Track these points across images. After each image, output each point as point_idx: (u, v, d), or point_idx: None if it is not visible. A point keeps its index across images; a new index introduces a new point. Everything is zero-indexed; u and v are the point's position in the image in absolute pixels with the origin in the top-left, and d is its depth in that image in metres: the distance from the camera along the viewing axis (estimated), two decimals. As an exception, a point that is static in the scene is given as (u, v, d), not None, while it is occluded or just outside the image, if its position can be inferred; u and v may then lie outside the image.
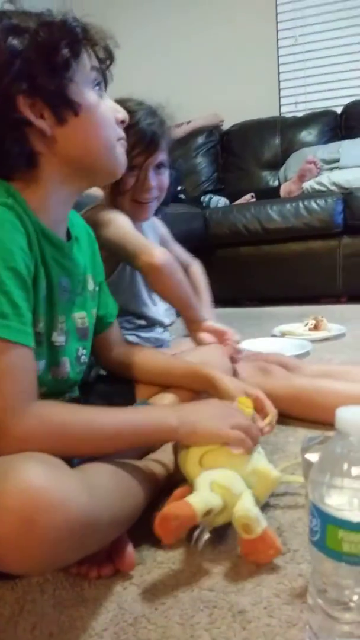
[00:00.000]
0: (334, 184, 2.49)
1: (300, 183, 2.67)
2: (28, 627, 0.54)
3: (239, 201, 2.82)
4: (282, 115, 3.23)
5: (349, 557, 0.42)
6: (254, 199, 2.79)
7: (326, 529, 0.43)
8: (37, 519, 0.47)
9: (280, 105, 3.27)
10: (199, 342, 1.05)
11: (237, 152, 3.15)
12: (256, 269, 2.58)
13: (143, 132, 1.06)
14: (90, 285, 0.81)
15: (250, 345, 1.53)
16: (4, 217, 0.60)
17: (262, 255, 2.57)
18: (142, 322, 1.23)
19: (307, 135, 2.99)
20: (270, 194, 2.75)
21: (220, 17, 3.25)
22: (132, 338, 1.19)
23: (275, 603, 0.54)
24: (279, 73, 3.23)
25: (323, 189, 2.53)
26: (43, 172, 0.66)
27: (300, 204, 2.43)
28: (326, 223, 2.39)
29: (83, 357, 0.79)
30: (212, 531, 0.64)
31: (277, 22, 3.18)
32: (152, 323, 1.25)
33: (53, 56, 0.62)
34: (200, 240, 2.55)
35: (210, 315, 1.29)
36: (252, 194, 2.83)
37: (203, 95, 3.25)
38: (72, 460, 0.61)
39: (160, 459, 0.76)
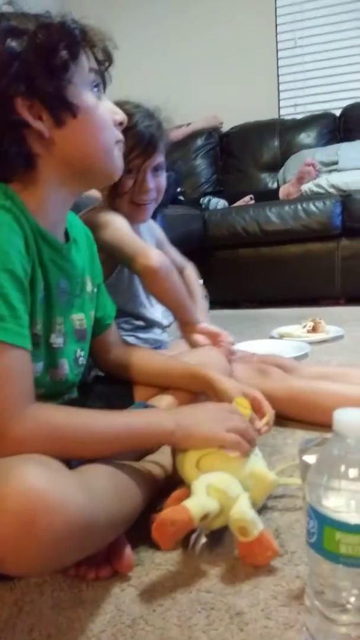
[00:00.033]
0: (333, 186, 2.50)
1: (299, 185, 2.67)
2: (26, 628, 0.54)
3: (237, 203, 2.83)
4: (281, 117, 3.24)
5: (346, 559, 0.42)
6: (252, 201, 2.79)
7: (323, 531, 0.43)
8: (36, 520, 0.47)
9: (279, 108, 3.28)
10: (192, 344, 1.06)
11: (236, 154, 3.16)
12: (255, 270, 2.58)
13: (141, 135, 1.07)
14: (89, 287, 0.81)
15: (249, 347, 1.53)
16: (1, 219, 0.60)
17: (261, 257, 2.57)
18: (141, 323, 1.24)
19: (306, 137, 3.00)
20: (269, 196, 2.76)
21: (220, 19, 3.26)
22: (130, 339, 1.20)
23: (273, 605, 0.55)
24: (278, 75, 3.24)
25: (321, 191, 2.53)
26: (41, 173, 0.66)
27: (299, 206, 2.44)
28: (325, 225, 2.40)
29: (81, 358, 0.79)
30: (210, 534, 0.64)
31: (276, 25, 3.19)
32: (150, 324, 1.26)
33: (51, 58, 0.62)
34: (199, 242, 2.56)
35: (205, 318, 1.30)
36: (251, 196, 2.84)
37: (203, 97, 3.26)
38: (71, 461, 0.61)
39: (159, 461, 0.76)
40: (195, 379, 0.86)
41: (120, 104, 0.75)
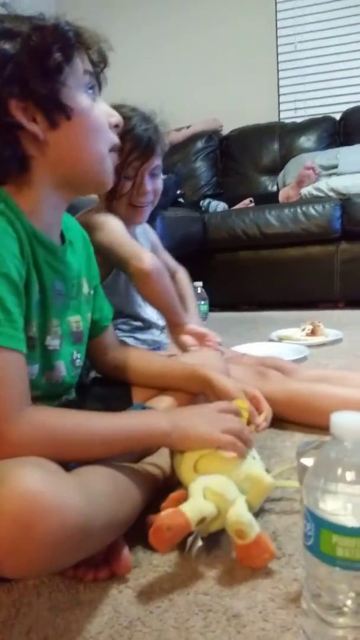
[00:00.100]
0: (332, 189, 2.51)
1: (299, 188, 2.68)
2: (24, 629, 0.54)
3: (237, 206, 2.84)
4: (281, 120, 3.25)
5: (342, 562, 0.42)
6: (252, 204, 2.80)
7: (320, 534, 0.43)
8: (33, 523, 0.48)
9: (279, 111, 3.29)
10: (181, 345, 1.08)
11: (236, 157, 3.17)
12: (254, 273, 2.59)
13: (139, 138, 1.08)
14: (85, 289, 0.81)
15: (248, 349, 1.54)
16: None
17: (261, 260, 2.58)
18: (139, 324, 1.25)
19: (306, 141, 3.01)
20: (268, 199, 2.77)
21: (221, 22, 3.27)
22: (129, 340, 1.20)
23: (270, 607, 0.55)
24: (278, 79, 3.25)
25: (321, 194, 2.54)
26: (35, 176, 0.66)
27: (299, 210, 2.44)
28: (324, 228, 2.41)
29: (78, 360, 0.79)
30: (207, 536, 0.64)
31: (277, 29, 3.20)
32: (148, 325, 1.27)
33: (45, 60, 0.62)
34: (199, 245, 2.56)
35: (196, 321, 1.33)
36: (251, 198, 2.85)
37: (203, 99, 3.27)
38: (69, 464, 0.61)
39: (157, 462, 0.76)
40: (194, 379, 0.86)
41: (116, 107, 0.76)
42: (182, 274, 1.45)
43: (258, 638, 0.51)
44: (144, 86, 3.26)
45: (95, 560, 0.60)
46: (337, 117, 3.01)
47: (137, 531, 0.65)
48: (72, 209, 1.13)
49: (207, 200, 2.95)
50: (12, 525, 0.47)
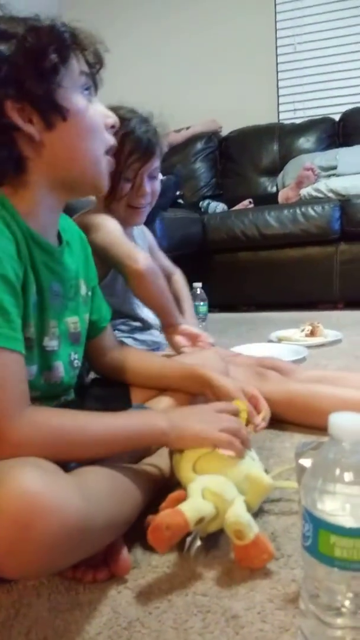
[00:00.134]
0: (331, 190, 2.51)
1: (298, 189, 2.68)
2: (23, 630, 0.54)
3: (237, 207, 2.84)
4: (280, 122, 3.26)
5: (341, 562, 0.43)
6: (252, 205, 2.80)
7: (318, 534, 0.43)
8: (32, 524, 0.48)
9: (278, 112, 3.30)
10: (174, 345, 1.09)
11: (235, 158, 3.17)
12: (253, 274, 2.59)
13: (139, 140, 1.09)
14: (83, 290, 0.81)
15: (247, 350, 1.54)
16: None
17: (260, 260, 2.58)
18: (138, 324, 1.25)
19: (305, 142, 3.01)
20: (268, 200, 2.77)
21: (220, 23, 3.27)
22: (128, 341, 1.21)
23: (269, 608, 0.55)
24: (277, 80, 3.26)
25: (320, 195, 2.55)
26: (31, 177, 0.66)
27: (298, 210, 2.45)
28: (323, 229, 2.41)
29: (76, 361, 0.79)
30: (206, 537, 0.65)
31: (276, 30, 3.20)
32: (147, 326, 1.27)
33: (41, 61, 0.62)
34: (198, 246, 2.57)
35: (193, 322, 1.35)
36: (250, 199, 2.85)
37: (202, 101, 3.27)
38: (69, 464, 0.62)
39: (156, 463, 0.76)
40: (193, 379, 0.86)
41: (114, 109, 0.76)
42: (178, 275, 1.47)
43: (256, 639, 0.51)
44: (144, 87, 3.27)
45: (95, 561, 0.60)
46: (336, 118, 3.02)
47: (136, 532, 0.65)
48: (71, 210, 1.14)
49: (206, 201, 2.95)
50: (12, 526, 0.47)
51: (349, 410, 0.46)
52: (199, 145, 3.21)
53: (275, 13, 3.18)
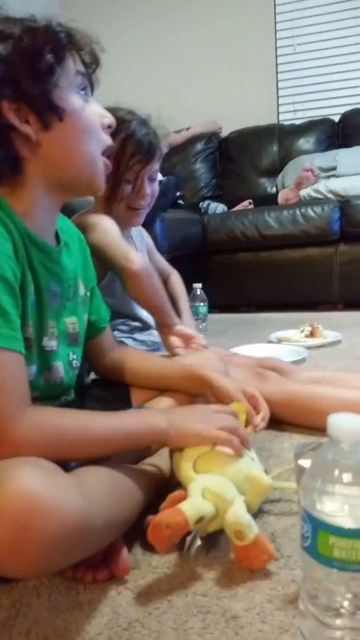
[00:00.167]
0: (331, 191, 2.52)
1: (298, 190, 2.69)
2: (23, 630, 0.54)
3: (236, 207, 2.84)
4: (280, 122, 3.26)
5: (339, 563, 0.43)
6: (251, 206, 2.81)
7: (317, 535, 0.43)
8: (32, 523, 0.48)
9: (278, 113, 3.30)
10: (168, 346, 1.10)
11: (235, 159, 3.18)
12: (253, 275, 2.60)
13: (141, 143, 1.11)
14: (82, 291, 0.81)
15: (247, 351, 1.54)
16: None
17: (260, 261, 2.58)
18: (137, 324, 1.26)
19: (305, 143, 3.02)
20: (267, 201, 2.77)
21: (219, 24, 3.28)
22: (128, 341, 1.22)
23: (268, 609, 0.55)
24: (277, 81, 3.26)
25: (320, 196, 2.55)
26: (28, 177, 0.66)
27: (298, 211, 2.45)
28: (323, 230, 2.41)
29: (75, 361, 0.79)
30: (206, 537, 0.65)
31: (275, 31, 3.21)
32: (147, 326, 1.28)
33: (37, 61, 0.62)
34: (198, 246, 2.57)
35: (190, 322, 1.36)
36: (250, 200, 2.86)
37: (202, 101, 3.28)
38: (69, 464, 0.62)
39: (157, 464, 0.76)
40: (193, 380, 0.86)
41: (112, 110, 0.76)
42: (176, 276, 1.49)
43: (256, 639, 0.51)
44: (143, 88, 3.27)
45: (95, 561, 0.60)
46: (336, 119, 3.02)
47: (136, 532, 0.65)
48: (71, 211, 1.14)
49: (206, 202, 2.96)
50: (11, 526, 0.48)
51: (349, 411, 0.46)
52: (199, 146, 3.21)
53: (275, 14, 3.19)
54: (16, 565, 0.50)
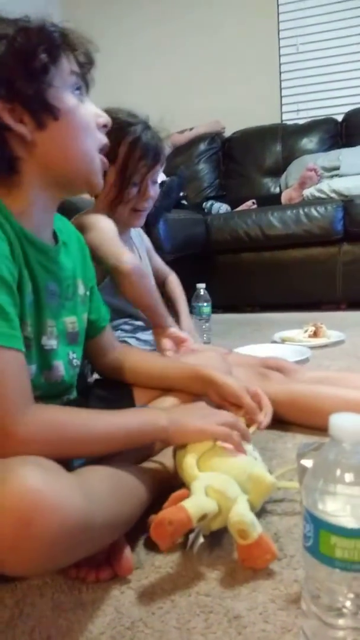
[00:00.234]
0: (334, 191, 2.51)
1: (301, 190, 2.68)
2: (27, 630, 0.54)
3: (240, 207, 2.84)
4: (283, 122, 3.26)
5: (342, 563, 0.43)
6: (255, 206, 2.80)
7: (319, 535, 0.43)
8: (33, 521, 0.48)
9: (281, 113, 3.30)
10: (159, 347, 1.10)
11: (238, 159, 3.17)
12: (257, 275, 2.59)
13: (148, 146, 1.14)
14: (81, 290, 0.82)
15: (251, 350, 1.54)
16: None
17: (263, 261, 2.58)
18: (140, 323, 1.27)
19: (308, 142, 3.01)
20: (271, 201, 2.77)
21: (223, 24, 3.28)
22: (131, 341, 1.22)
23: (271, 609, 0.55)
24: (280, 80, 3.26)
25: (323, 196, 2.54)
26: (24, 177, 0.67)
27: (301, 211, 2.44)
28: (326, 230, 2.41)
29: (75, 360, 0.80)
30: (209, 536, 0.65)
31: (279, 30, 3.20)
32: (150, 325, 1.28)
33: (31, 61, 0.62)
34: (201, 246, 2.57)
35: (188, 322, 1.36)
36: (253, 200, 2.85)
37: (205, 102, 3.28)
38: (72, 462, 0.62)
39: (160, 463, 0.77)
40: (196, 379, 0.86)
41: (113, 111, 0.77)
42: (173, 277, 1.50)
43: (258, 639, 0.51)
44: (147, 88, 3.28)
45: (98, 561, 0.61)
46: (339, 118, 3.01)
47: (139, 532, 0.65)
48: (73, 211, 1.15)
49: (209, 202, 2.96)
50: (13, 523, 0.48)
51: (352, 410, 0.46)
52: (203, 146, 3.21)
53: (278, 14, 3.18)
54: (18, 563, 0.50)
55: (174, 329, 1.12)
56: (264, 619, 0.54)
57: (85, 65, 0.69)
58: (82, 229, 0.97)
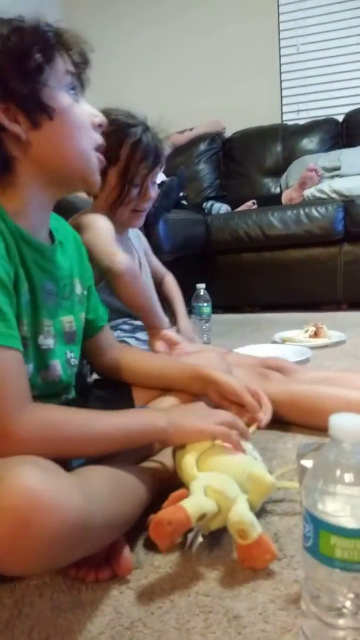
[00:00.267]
0: (335, 191, 2.51)
1: (302, 190, 2.68)
2: (26, 629, 0.54)
3: (240, 208, 2.84)
4: (284, 122, 3.25)
5: (341, 563, 0.43)
6: (255, 206, 2.80)
7: (319, 535, 0.43)
8: (32, 521, 0.48)
9: (282, 113, 3.30)
10: (152, 349, 1.11)
11: (239, 159, 3.17)
12: (257, 275, 2.59)
13: (148, 148, 1.14)
14: (78, 289, 0.82)
15: (251, 351, 1.54)
16: None
17: (263, 261, 2.58)
18: (139, 323, 1.27)
19: (309, 143, 3.01)
20: (271, 201, 2.77)
21: (223, 25, 3.28)
22: (130, 341, 1.22)
23: (271, 609, 0.55)
24: (280, 81, 3.26)
25: (324, 196, 2.54)
26: (20, 177, 0.67)
27: (301, 211, 2.44)
28: (327, 230, 2.41)
29: (72, 359, 0.80)
30: (208, 536, 0.65)
31: (279, 31, 3.20)
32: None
33: (25, 61, 0.62)
34: (201, 247, 2.57)
35: (185, 322, 1.36)
36: (254, 200, 2.85)
37: (205, 102, 3.28)
38: (71, 462, 0.62)
39: (159, 463, 0.77)
40: (196, 379, 0.86)
41: (110, 112, 0.77)
42: (170, 277, 1.50)
43: (258, 639, 0.51)
44: (147, 89, 3.28)
45: (97, 561, 0.61)
46: (340, 119, 3.01)
47: (138, 532, 0.65)
48: (71, 211, 1.15)
49: (210, 202, 2.96)
50: (12, 523, 0.48)
51: (352, 411, 0.46)
52: (203, 147, 3.21)
53: (279, 14, 3.18)
54: (16, 563, 0.50)
55: (167, 331, 1.12)
56: (264, 619, 0.54)
57: (80, 65, 0.69)
58: (79, 228, 0.97)
